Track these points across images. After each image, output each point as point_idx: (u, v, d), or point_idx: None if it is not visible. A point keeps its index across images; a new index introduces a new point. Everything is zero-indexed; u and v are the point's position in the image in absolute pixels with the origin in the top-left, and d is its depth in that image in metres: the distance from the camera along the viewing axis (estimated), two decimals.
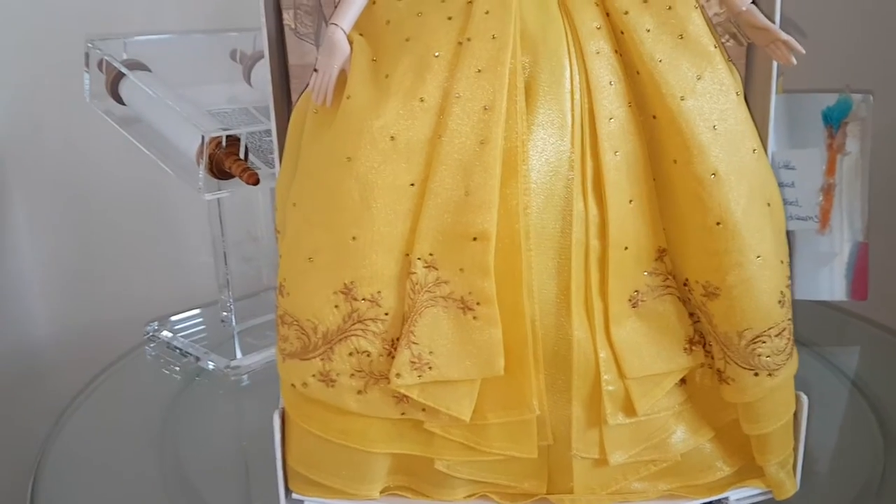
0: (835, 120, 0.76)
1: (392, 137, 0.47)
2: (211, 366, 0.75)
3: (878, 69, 0.87)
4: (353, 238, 0.47)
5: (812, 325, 0.77)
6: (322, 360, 0.49)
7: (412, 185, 0.47)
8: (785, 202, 0.60)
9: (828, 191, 0.77)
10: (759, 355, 0.49)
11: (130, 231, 0.94)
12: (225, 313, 0.80)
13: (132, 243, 0.94)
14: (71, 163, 0.91)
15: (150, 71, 0.74)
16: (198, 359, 0.77)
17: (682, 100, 0.46)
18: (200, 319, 0.84)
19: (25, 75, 0.88)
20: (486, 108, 0.46)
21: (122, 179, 0.91)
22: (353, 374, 0.49)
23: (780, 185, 0.57)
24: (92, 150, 0.90)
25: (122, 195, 0.92)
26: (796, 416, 0.53)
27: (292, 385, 0.51)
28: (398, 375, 0.48)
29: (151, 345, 0.81)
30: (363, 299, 0.48)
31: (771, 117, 0.54)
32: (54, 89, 0.87)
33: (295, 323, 0.50)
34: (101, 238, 0.94)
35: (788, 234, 0.52)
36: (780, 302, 0.49)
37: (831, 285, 0.78)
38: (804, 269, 0.78)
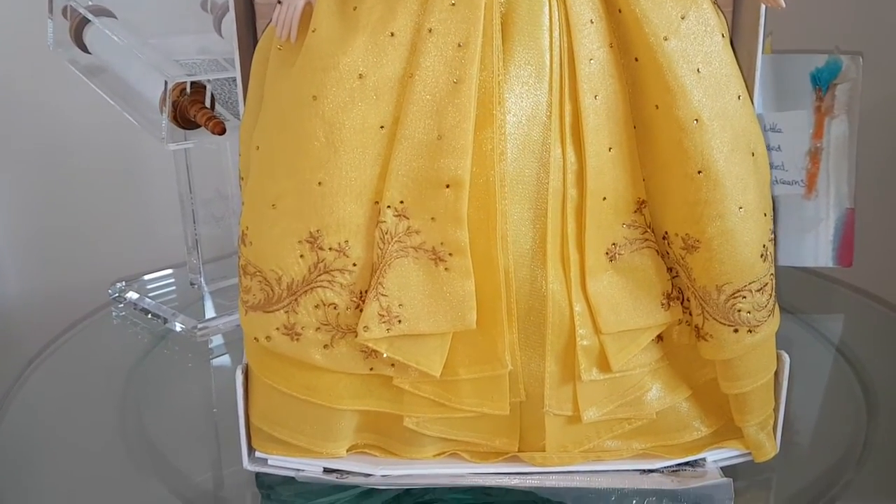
0: (823, 82, 0.75)
1: (360, 75, 0.44)
2: (178, 327, 0.73)
3: (868, 30, 0.85)
4: (319, 183, 0.45)
5: (796, 291, 0.76)
6: (286, 312, 0.47)
7: (382, 127, 0.45)
8: (771, 166, 0.58)
9: (815, 154, 0.75)
10: (739, 311, 0.47)
11: (99, 189, 0.91)
12: (194, 275, 0.78)
13: (101, 202, 0.91)
14: (36, 119, 0.88)
15: (115, 18, 0.71)
16: (165, 320, 0.74)
17: (666, 40, 0.44)
18: (172, 280, 0.81)
19: None
20: (460, 45, 0.44)
21: (90, 136, 0.88)
22: (318, 328, 0.47)
23: (766, 147, 0.56)
24: (58, 105, 0.87)
25: (91, 151, 0.89)
26: (777, 375, 0.51)
27: (255, 339, 0.48)
28: (366, 329, 0.46)
29: (119, 305, 0.78)
30: (330, 249, 0.46)
31: (757, 72, 0.52)
32: (16, 39, 0.84)
33: (258, 273, 0.48)
34: (68, 196, 0.91)
35: (773, 199, 0.50)
36: (762, 256, 0.47)
37: (816, 251, 0.77)
38: (789, 234, 0.76)
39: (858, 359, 0.67)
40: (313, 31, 0.45)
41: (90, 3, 0.72)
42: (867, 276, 0.78)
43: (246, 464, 0.51)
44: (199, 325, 0.72)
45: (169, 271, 0.83)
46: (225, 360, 0.70)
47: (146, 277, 0.81)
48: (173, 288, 0.81)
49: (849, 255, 0.76)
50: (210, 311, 0.75)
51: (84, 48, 0.72)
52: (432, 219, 0.46)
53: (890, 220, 0.91)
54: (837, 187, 0.76)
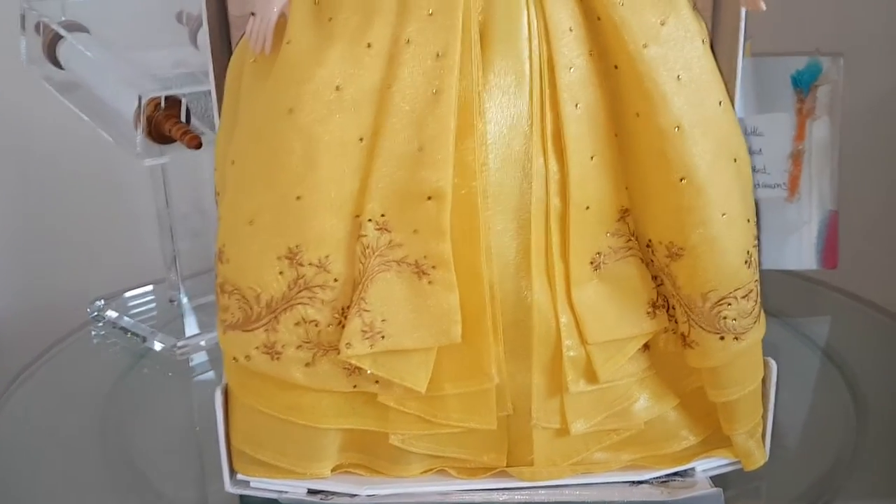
0: (804, 84, 0.75)
1: (337, 87, 0.43)
2: (158, 346, 0.72)
3: (849, 31, 0.86)
4: (298, 198, 0.44)
5: (781, 294, 0.75)
6: (266, 331, 0.46)
7: (361, 139, 0.44)
8: (753, 169, 0.58)
9: (797, 157, 0.75)
10: (725, 318, 0.47)
11: (78, 204, 0.90)
12: (173, 291, 0.76)
13: (80, 217, 0.90)
14: (12, 135, 0.87)
15: (88, 32, 0.70)
16: (144, 339, 0.73)
17: (645, 47, 0.44)
18: (152, 297, 0.80)
19: None
20: (438, 55, 0.43)
21: (68, 150, 0.87)
22: (300, 346, 0.46)
23: (748, 151, 0.55)
24: (35, 120, 0.86)
25: (69, 166, 0.88)
26: (765, 382, 0.51)
27: (234, 359, 0.47)
28: (349, 345, 0.45)
29: (99, 324, 0.77)
30: (310, 264, 0.45)
31: (738, 77, 0.51)
32: None
33: (236, 291, 0.46)
34: (45, 212, 0.90)
35: (756, 202, 0.50)
36: (746, 262, 0.47)
37: (799, 254, 0.77)
38: (772, 237, 0.76)
39: (846, 361, 0.67)
40: (288, 43, 0.44)
41: (63, 18, 0.71)
42: (852, 277, 0.78)
43: (228, 486, 0.50)
44: (179, 344, 0.70)
45: (149, 287, 0.81)
46: (207, 377, 0.69)
47: (126, 295, 0.80)
48: (153, 305, 0.79)
49: (833, 257, 0.76)
50: (191, 328, 0.74)
51: (58, 64, 0.71)
52: (414, 231, 0.45)
53: (873, 221, 0.91)
54: (820, 189, 0.76)
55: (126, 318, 0.75)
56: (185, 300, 0.76)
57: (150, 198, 0.76)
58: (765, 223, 0.75)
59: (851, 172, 0.78)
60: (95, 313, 0.77)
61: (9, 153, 0.87)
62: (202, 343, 0.71)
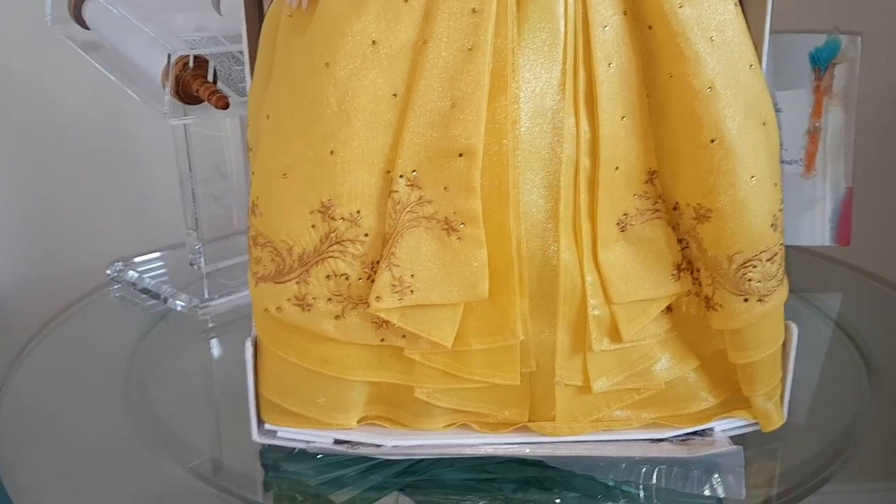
0: (822, 61, 0.75)
1: (373, 42, 0.44)
2: (179, 306, 0.72)
3: (867, 10, 0.86)
4: (332, 152, 0.45)
5: (794, 270, 0.75)
6: (298, 283, 0.47)
7: (394, 95, 0.45)
8: None
9: (813, 134, 0.76)
10: (750, 280, 0.48)
11: (94, 170, 0.90)
12: (193, 255, 0.77)
13: (96, 183, 0.90)
14: (31, 99, 0.87)
15: None
16: (166, 300, 0.73)
17: (680, 7, 0.44)
18: (163, 262, 0.80)
19: None
20: (474, 11, 0.44)
21: (85, 116, 0.87)
22: (330, 298, 0.47)
23: None
24: (52, 87, 0.86)
25: (86, 132, 0.88)
26: (785, 346, 0.51)
27: (266, 310, 0.48)
28: (378, 299, 0.46)
29: (117, 285, 0.78)
30: (342, 218, 0.46)
31: (765, 46, 0.52)
32: (9, 22, 0.82)
33: (268, 244, 0.47)
34: (63, 177, 0.90)
35: None
36: (772, 226, 0.48)
37: (813, 230, 0.77)
38: (786, 213, 0.76)
39: (859, 335, 0.68)
40: None
41: None
42: (865, 254, 0.79)
43: (255, 436, 0.51)
44: (201, 304, 0.71)
45: (158, 254, 0.81)
46: (227, 338, 0.70)
47: (145, 257, 0.80)
48: (172, 268, 0.80)
49: (846, 233, 0.77)
50: (209, 291, 0.74)
51: (83, 24, 0.71)
52: (445, 188, 0.46)
53: (888, 199, 0.91)
54: (836, 166, 0.76)
55: (147, 279, 0.76)
56: (203, 264, 0.77)
57: (166, 165, 0.77)
58: None
59: (866, 150, 0.79)
60: (115, 274, 0.78)
61: (29, 121, 0.88)
62: (221, 305, 0.72)
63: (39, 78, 0.86)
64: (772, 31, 0.75)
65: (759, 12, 0.51)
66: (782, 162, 0.76)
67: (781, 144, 0.76)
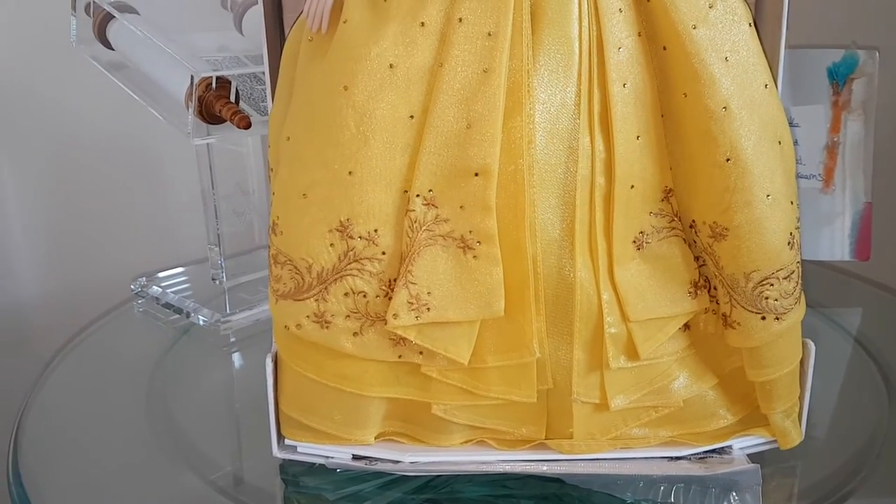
0: (840, 76, 0.75)
1: (391, 65, 0.45)
2: (202, 321, 0.74)
3: (885, 25, 0.86)
4: (350, 173, 0.46)
5: (813, 285, 0.76)
6: (316, 300, 0.48)
7: (411, 116, 0.46)
8: None
9: (832, 149, 0.76)
10: (767, 298, 0.48)
11: (117, 187, 0.92)
12: (215, 270, 0.78)
13: (119, 200, 0.92)
14: (56, 116, 0.89)
15: (138, 14, 0.72)
16: (188, 315, 0.75)
17: (694, 28, 0.45)
18: (185, 278, 0.82)
19: (8, 22, 0.85)
20: (490, 34, 0.45)
21: (109, 133, 0.89)
22: (348, 316, 0.48)
23: None
24: (78, 102, 0.88)
25: (109, 149, 0.90)
26: (802, 363, 0.51)
27: (285, 327, 0.49)
28: (395, 316, 0.47)
29: (140, 300, 0.79)
30: (359, 237, 0.47)
31: (780, 64, 0.52)
32: (35, 39, 0.84)
33: (288, 262, 0.48)
34: (87, 194, 0.92)
35: None
36: (789, 244, 0.48)
37: (832, 245, 0.77)
38: (805, 228, 0.75)
39: (879, 351, 0.67)
40: (344, 22, 0.45)
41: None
42: (885, 269, 0.78)
43: (275, 451, 0.52)
44: (223, 319, 0.72)
45: (181, 269, 0.83)
46: (248, 353, 0.71)
47: (168, 272, 0.82)
48: (188, 285, 0.81)
49: (866, 248, 0.76)
50: (231, 306, 0.75)
51: (107, 44, 0.73)
52: (461, 207, 0.47)
53: None
54: (854, 181, 0.76)
55: (170, 294, 0.77)
56: (225, 279, 0.78)
57: (188, 181, 0.78)
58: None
59: (886, 165, 0.78)
60: (139, 289, 0.79)
61: (55, 139, 0.90)
62: (243, 319, 0.73)
63: (65, 97, 0.88)
64: (789, 47, 0.76)
65: (774, 31, 0.52)
66: (801, 177, 0.77)
67: (799, 160, 0.77)
